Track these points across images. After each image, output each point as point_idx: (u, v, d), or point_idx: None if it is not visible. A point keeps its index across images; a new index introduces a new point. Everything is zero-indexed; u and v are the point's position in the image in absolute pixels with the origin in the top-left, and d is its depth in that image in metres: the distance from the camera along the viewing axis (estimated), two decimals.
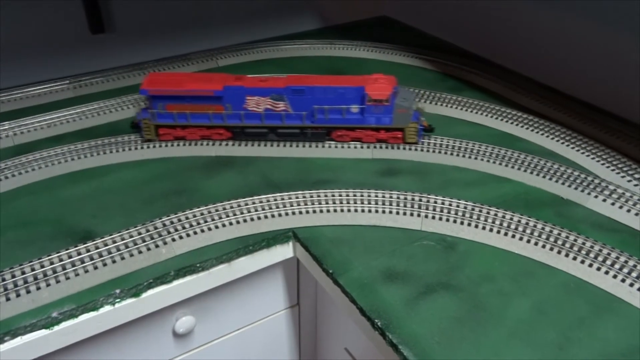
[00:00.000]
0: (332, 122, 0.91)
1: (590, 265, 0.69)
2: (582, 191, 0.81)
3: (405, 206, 0.78)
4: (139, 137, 0.93)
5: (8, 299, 0.63)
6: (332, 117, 0.90)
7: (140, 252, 0.70)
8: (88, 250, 0.69)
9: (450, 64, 1.20)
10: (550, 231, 0.74)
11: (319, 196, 0.80)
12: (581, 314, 0.64)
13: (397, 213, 0.77)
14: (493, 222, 0.75)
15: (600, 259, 0.70)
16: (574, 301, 0.65)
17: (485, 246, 0.73)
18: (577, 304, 0.65)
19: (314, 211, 0.77)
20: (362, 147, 0.92)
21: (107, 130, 0.97)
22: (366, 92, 0.87)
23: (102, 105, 1.03)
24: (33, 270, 0.66)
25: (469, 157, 0.88)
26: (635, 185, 0.83)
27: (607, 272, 0.68)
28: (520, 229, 0.74)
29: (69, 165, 0.87)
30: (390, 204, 0.78)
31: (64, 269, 0.67)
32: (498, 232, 0.74)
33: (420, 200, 0.79)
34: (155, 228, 0.73)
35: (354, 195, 0.80)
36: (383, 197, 0.79)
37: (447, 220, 0.75)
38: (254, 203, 0.79)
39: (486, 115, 1.01)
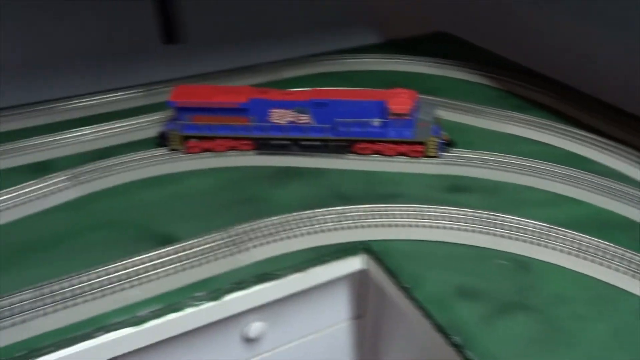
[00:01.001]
0: (354, 135, 0.93)
1: None
2: None
3: (477, 224, 0.78)
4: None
5: (98, 297, 0.67)
6: (353, 130, 0.92)
7: (219, 257, 0.72)
8: (171, 254, 0.72)
9: (513, 81, 1.20)
10: (624, 254, 0.73)
11: (390, 210, 0.81)
12: None
13: (469, 230, 0.77)
14: (567, 244, 0.75)
15: None
16: None
17: (559, 267, 0.73)
18: None
19: (386, 225, 0.79)
20: (428, 163, 0.93)
21: None
22: (387, 106, 0.89)
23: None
24: (121, 270, 0.70)
25: (539, 177, 0.88)
26: None
27: None
28: (595, 251, 0.73)
29: (146, 171, 0.91)
30: (462, 221, 0.79)
31: (148, 270, 0.70)
32: (572, 254, 0.73)
33: (493, 218, 0.79)
34: (234, 235, 0.76)
35: (426, 211, 0.81)
36: (456, 214, 0.80)
37: (520, 240, 0.76)
38: (326, 215, 0.80)
39: (553, 135, 1.00)
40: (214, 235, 0.76)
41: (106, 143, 0.99)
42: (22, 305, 0.65)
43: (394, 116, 0.90)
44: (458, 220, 0.79)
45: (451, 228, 0.78)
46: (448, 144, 0.96)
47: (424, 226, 0.78)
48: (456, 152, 0.95)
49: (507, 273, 0.72)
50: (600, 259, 0.72)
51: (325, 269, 0.76)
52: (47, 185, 0.86)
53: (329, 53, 1.35)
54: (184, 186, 0.89)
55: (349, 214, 0.81)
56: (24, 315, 0.64)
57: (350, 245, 0.77)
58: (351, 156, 0.94)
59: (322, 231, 0.78)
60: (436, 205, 0.82)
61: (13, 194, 0.84)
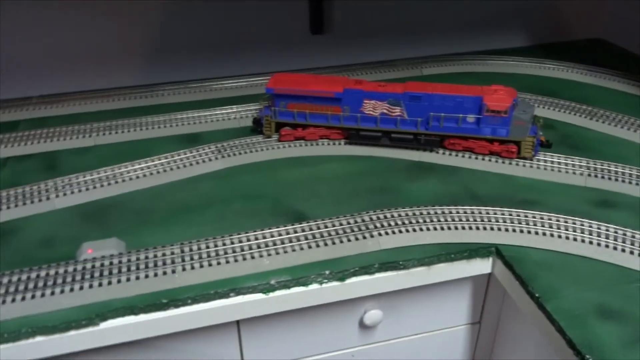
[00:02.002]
0: (446, 130, 0.90)
1: None
2: None
3: (623, 242, 0.72)
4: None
5: (234, 261, 0.72)
6: (446, 125, 0.90)
7: (348, 240, 0.74)
8: (303, 230, 0.76)
9: None
10: None
11: (526, 216, 0.78)
12: None
13: (614, 248, 0.72)
14: None
15: None
16: None
17: None
18: None
19: (520, 230, 0.75)
20: (574, 173, 0.87)
21: None
22: (484, 102, 0.86)
23: None
24: (257, 239, 0.74)
25: None
26: None
27: None
28: None
29: (288, 151, 0.96)
30: (607, 237, 0.73)
31: (282, 243, 0.74)
32: None
33: None
34: (363, 220, 0.77)
35: (566, 222, 0.76)
36: (599, 228, 0.74)
37: None
38: (457, 212, 0.79)
39: None
40: (346, 217, 0.78)
41: (248, 123, 1.05)
42: (172, 257, 0.71)
43: (490, 113, 0.87)
44: (603, 236, 0.73)
45: (595, 243, 0.72)
46: (545, 146, 0.90)
47: (564, 237, 0.74)
48: (606, 166, 0.88)
49: None
50: None
51: (450, 267, 0.74)
52: (198, 154, 0.94)
53: (472, 53, 1.32)
54: (322, 169, 0.92)
55: (480, 214, 0.78)
56: (172, 266, 0.70)
57: (479, 247, 0.75)
58: (488, 157, 0.91)
59: (450, 229, 0.77)
60: (580, 217, 0.77)
61: (169, 159, 0.93)
